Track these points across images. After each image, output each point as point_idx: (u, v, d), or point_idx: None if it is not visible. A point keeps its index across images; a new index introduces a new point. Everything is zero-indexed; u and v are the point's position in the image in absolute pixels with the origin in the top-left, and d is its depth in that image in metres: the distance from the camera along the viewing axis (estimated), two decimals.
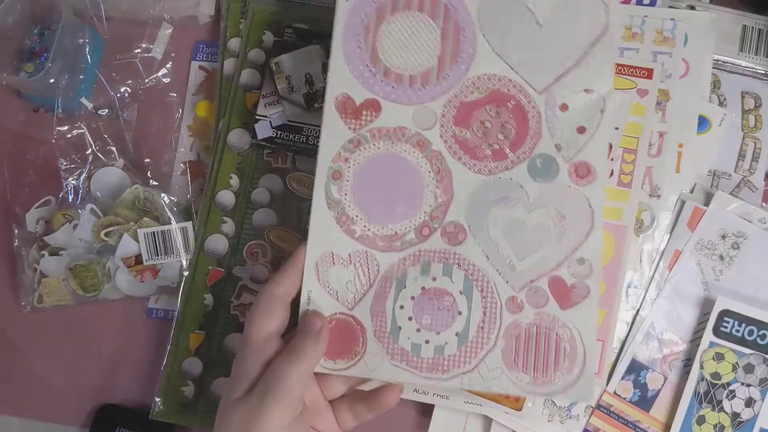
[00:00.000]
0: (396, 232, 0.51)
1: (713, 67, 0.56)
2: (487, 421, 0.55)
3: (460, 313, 0.50)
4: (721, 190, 0.56)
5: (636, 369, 0.54)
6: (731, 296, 0.53)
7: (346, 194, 0.51)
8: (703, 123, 0.55)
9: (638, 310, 0.54)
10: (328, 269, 0.50)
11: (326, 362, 0.49)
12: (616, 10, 0.52)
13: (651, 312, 0.54)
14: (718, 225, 0.54)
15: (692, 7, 0.56)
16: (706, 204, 0.55)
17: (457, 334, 0.50)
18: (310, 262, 0.50)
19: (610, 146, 0.54)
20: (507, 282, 0.50)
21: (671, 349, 0.54)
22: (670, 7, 0.55)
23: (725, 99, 0.57)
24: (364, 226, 0.51)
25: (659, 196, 0.53)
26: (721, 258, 0.54)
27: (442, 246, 0.51)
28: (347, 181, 0.51)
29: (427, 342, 0.50)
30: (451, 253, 0.51)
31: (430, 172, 0.52)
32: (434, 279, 0.51)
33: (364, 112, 0.52)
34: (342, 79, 0.52)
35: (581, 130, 0.51)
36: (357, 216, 0.51)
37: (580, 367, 0.48)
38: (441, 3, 0.52)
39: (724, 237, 0.54)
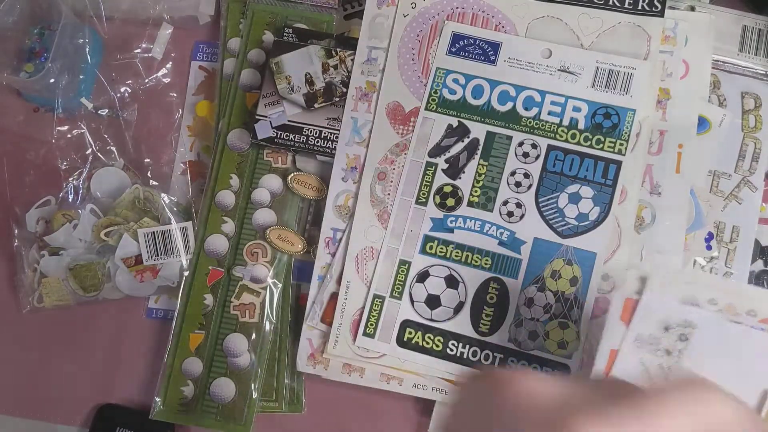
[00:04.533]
0: None
1: (713, 68, 0.56)
2: None
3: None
4: (722, 189, 0.56)
5: None
6: None
7: (389, 194, 0.54)
8: (703, 123, 0.55)
9: None
10: (367, 262, 0.53)
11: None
12: (658, 42, 0.54)
13: None
14: (656, 316, 0.43)
15: (692, 8, 0.56)
16: (640, 292, 0.43)
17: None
18: (352, 255, 0.54)
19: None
20: None
21: None
22: (671, 8, 0.55)
23: (725, 99, 0.57)
24: None
25: (660, 193, 0.53)
26: (668, 353, 0.43)
27: None
28: (391, 181, 0.54)
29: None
30: None
31: None
32: None
33: (412, 119, 0.55)
34: (394, 88, 0.55)
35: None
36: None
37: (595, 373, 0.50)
38: (492, 23, 0.55)
39: (667, 329, 0.43)
